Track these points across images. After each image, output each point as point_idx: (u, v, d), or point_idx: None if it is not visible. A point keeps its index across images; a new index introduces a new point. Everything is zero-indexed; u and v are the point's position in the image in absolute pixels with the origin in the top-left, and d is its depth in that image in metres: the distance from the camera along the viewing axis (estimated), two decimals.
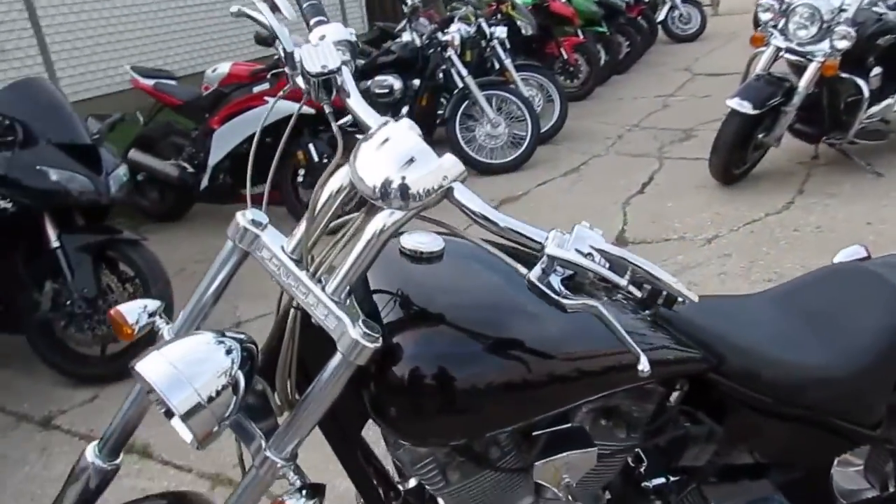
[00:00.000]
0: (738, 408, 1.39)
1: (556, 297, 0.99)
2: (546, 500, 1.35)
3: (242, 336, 1.10)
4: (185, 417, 0.98)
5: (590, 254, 1.02)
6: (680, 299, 1.01)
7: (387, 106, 5.20)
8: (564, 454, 1.22)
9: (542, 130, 5.51)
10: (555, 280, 1.02)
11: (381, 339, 1.03)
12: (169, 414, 1.00)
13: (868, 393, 1.42)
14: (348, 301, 1.06)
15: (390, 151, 1.01)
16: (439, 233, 1.17)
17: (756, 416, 1.40)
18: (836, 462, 1.64)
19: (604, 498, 1.49)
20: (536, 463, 1.21)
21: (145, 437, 2.34)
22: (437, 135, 5.29)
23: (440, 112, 5.30)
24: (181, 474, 2.28)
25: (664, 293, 1.01)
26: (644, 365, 0.98)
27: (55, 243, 2.75)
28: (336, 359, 1.03)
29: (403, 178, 0.98)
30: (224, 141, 4.26)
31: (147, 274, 2.82)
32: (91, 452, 1.26)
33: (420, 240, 1.18)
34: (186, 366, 1.01)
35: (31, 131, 2.74)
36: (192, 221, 4.81)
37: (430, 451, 1.23)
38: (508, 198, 4.55)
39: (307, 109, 1.38)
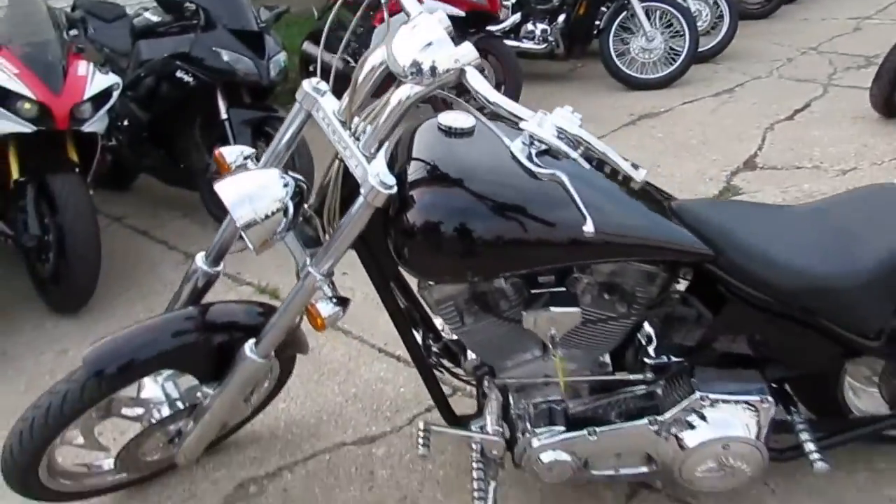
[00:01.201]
0: (735, 301, 1.52)
1: (529, 165, 1.21)
2: (548, 355, 1.59)
3: (299, 177, 1.43)
4: (244, 228, 1.33)
5: (562, 133, 1.21)
6: (634, 176, 1.18)
7: (545, 13, 5.24)
8: (549, 309, 1.44)
9: (705, 48, 5.29)
10: (533, 152, 1.23)
11: (394, 187, 1.30)
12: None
13: (867, 305, 1.48)
14: (376, 156, 1.34)
15: (416, 37, 1.27)
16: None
17: (750, 311, 1.52)
18: (847, 372, 1.71)
19: (608, 366, 1.69)
20: (524, 312, 1.45)
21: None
22: (592, 47, 5.27)
23: (597, 23, 5.25)
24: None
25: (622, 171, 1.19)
26: (589, 227, 1.18)
27: (224, 115, 3.26)
28: (359, 200, 1.33)
29: (423, 58, 1.23)
30: (378, 38, 4.61)
31: (294, 149, 3.27)
32: (200, 259, 1.68)
33: (455, 118, 1.42)
34: (251, 191, 1.35)
35: (211, 17, 3.22)
36: None
37: (450, 295, 1.51)
38: (649, 113, 4.52)
39: None
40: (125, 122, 3.44)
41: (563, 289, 1.49)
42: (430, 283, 1.49)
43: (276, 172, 1.41)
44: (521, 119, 1.23)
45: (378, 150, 1.35)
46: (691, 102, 4.64)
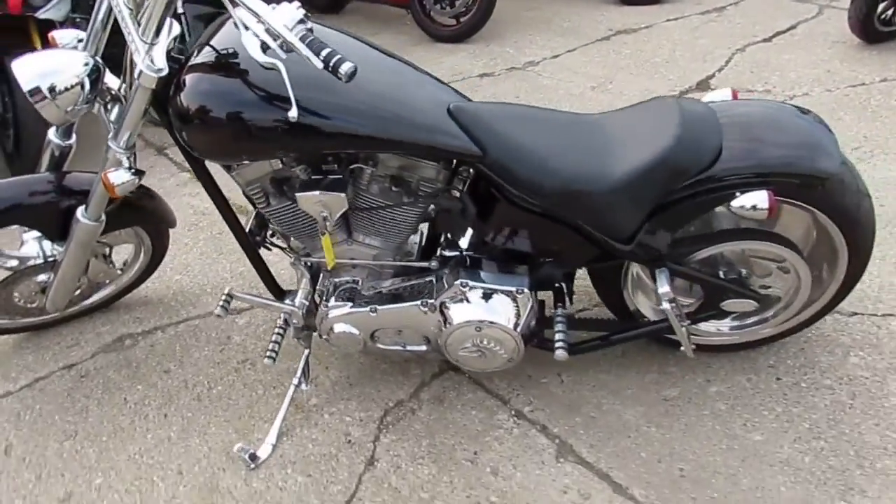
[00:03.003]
0: (502, 200, 1.64)
1: (253, 54, 1.34)
2: (351, 240, 1.74)
3: (98, 59, 1.60)
4: (36, 102, 1.52)
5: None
6: (341, 70, 1.29)
7: None
8: (316, 193, 1.59)
9: None
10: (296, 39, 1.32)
11: (163, 71, 1.46)
12: None
13: (619, 210, 1.58)
14: (157, 41, 1.49)
15: None
16: None
17: (516, 210, 1.64)
18: (632, 275, 1.81)
19: (413, 254, 1.84)
20: (297, 193, 1.61)
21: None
22: None
23: None
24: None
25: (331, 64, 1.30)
26: (293, 112, 1.32)
27: (181, 10, 3.42)
28: (136, 82, 1.49)
29: None
30: None
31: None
32: (52, 133, 1.89)
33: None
34: (45, 68, 1.53)
35: None
36: (347, 15, 5.34)
37: (255, 177, 1.67)
38: (627, 29, 4.43)
39: None
40: None
41: (338, 176, 1.63)
42: (231, 164, 1.66)
43: (76, 53, 1.59)
44: (255, 12, 1.34)
45: (157, 35, 1.49)
46: (676, 20, 4.51)
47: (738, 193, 1.53)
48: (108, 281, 2.25)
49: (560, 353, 1.68)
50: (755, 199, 1.50)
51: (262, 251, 1.86)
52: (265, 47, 1.35)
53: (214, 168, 1.62)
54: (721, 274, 1.75)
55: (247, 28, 1.35)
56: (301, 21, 1.34)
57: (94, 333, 2.28)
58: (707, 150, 1.55)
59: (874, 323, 2.04)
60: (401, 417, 1.90)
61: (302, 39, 1.31)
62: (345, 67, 1.29)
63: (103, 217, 1.82)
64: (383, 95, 1.53)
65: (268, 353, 1.80)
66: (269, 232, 1.92)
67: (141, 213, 2.06)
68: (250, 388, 2.02)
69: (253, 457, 1.79)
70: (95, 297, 2.28)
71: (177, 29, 1.59)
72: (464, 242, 1.76)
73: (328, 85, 1.44)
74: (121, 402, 2.01)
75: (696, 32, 4.29)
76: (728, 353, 1.97)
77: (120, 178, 1.61)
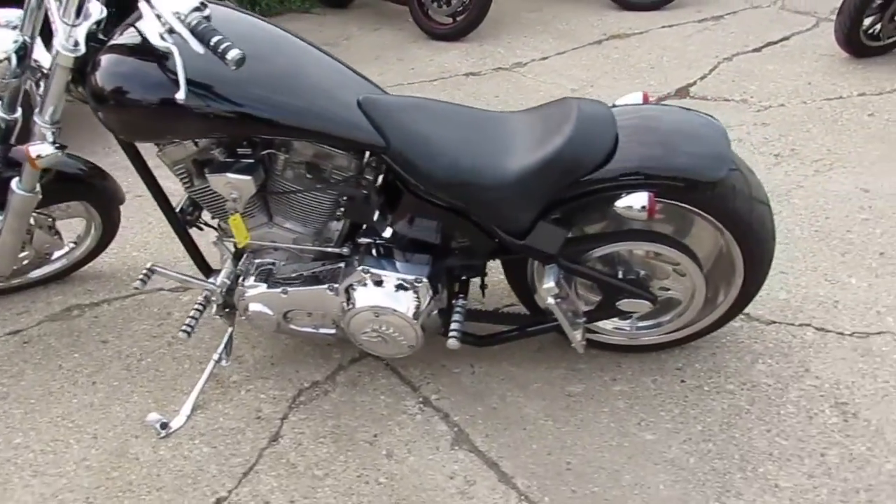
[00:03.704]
0: (405, 190, 1.70)
1: (151, 39, 1.41)
2: (271, 223, 1.81)
3: (27, 37, 1.69)
4: None
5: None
6: (227, 56, 1.35)
7: None
8: (224, 175, 1.67)
9: None
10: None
11: (79, 50, 1.54)
12: None
13: (512, 205, 1.63)
14: (75, 24, 1.57)
15: None
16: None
17: (417, 201, 1.70)
18: (534, 269, 1.85)
19: (332, 239, 1.89)
20: (207, 174, 1.68)
21: None
22: None
23: None
24: None
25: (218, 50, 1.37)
26: (180, 94, 1.39)
27: None
28: (55, 60, 1.58)
29: None
30: None
31: None
32: None
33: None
34: None
35: None
36: (354, 10, 5.43)
37: (179, 158, 1.75)
38: (620, 34, 4.44)
39: None
40: None
41: (251, 160, 1.70)
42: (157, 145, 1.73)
43: (5, 30, 1.68)
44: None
45: (78, 16, 1.58)
46: (671, 27, 4.51)
47: (624, 194, 1.56)
48: (56, 253, 2.35)
49: (451, 343, 1.72)
50: (636, 200, 1.53)
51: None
52: (165, 32, 1.43)
53: (147, 146, 1.69)
54: (619, 274, 1.78)
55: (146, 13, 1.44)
56: (197, 9, 1.41)
57: (45, 303, 2.39)
58: (598, 150, 1.59)
59: (789, 332, 2.05)
60: (313, 398, 1.97)
61: (194, 26, 1.38)
62: (231, 54, 1.35)
63: (38, 189, 1.91)
64: (288, 83, 1.59)
65: (183, 328, 1.88)
66: (202, 211, 2.00)
67: (86, 189, 2.15)
68: (178, 362, 2.11)
69: (164, 426, 1.87)
70: (47, 269, 2.38)
71: (102, 12, 1.66)
72: (375, 231, 1.82)
73: (230, 73, 1.49)
74: (55, 368, 2.11)
75: (687, 40, 4.28)
76: (638, 353, 2.00)
77: (42, 150, 1.70)
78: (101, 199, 2.22)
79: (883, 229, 2.47)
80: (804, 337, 2.03)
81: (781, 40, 4.16)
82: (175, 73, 1.46)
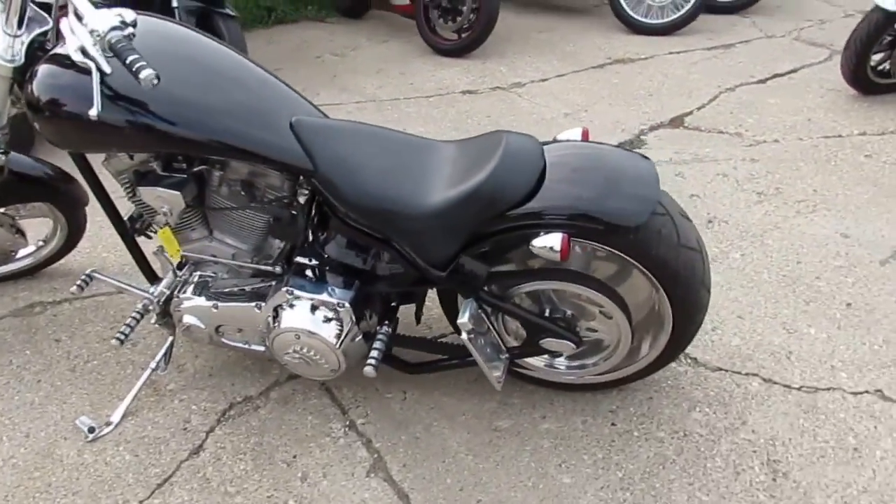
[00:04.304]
0: (331, 214, 1.70)
1: (72, 55, 1.44)
2: (212, 237, 1.83)
3: None
4: None
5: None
6: (140, 76, 1.37)
7: None
8: (154, 188, 1.69)
9: None
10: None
11: (15, 62, 1.59)
12: None
13: (433, 237, 1.61)
14: (17, 34, 1.61)
15: None
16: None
17: (342, 226, 1.70)
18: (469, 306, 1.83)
19: (272, 256, 1.90)
20: (139, 187, 1.71)
21: None
22: None
23: None
24: None
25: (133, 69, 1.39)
26: (93, 112, 1.41)
27: (175, 3, 3.62)
28: None
29: None
30: None
31: (228, 42, 3.59)
32: None
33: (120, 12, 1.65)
34: None
35: None
36: (368, 20, 5.47)
37: (121, 169, 1.78)
38: (625, 59, 4.39)
39: None
40: None
41: (183, 175, 1.72)
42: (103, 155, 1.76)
43: None
44: (79, 17, 1.45)
45: (20, 27, 1.62)
46: (678, 53, 4.44)
47: (542, 233, 1.54)
48: (21, 251, 2.41)
49: (367, 370, 1.71)
50: (551, 241, 1.50)
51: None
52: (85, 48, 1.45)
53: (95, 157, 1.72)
54: (546, 312, 1.75)
55: (73, 29, 1.46)
56: (116, 27, 1.43)
57: (11, 297, 2.44)
58: (520, 186, 1.56)
59: (734, 381, 1.99)
60: (243, 412, 1.97)
61: (113, 44, 1.40)
62: (144, 73, 1.36)
63: None
64: (215, 102, 1.59)
65: (117, 335, 1.90)
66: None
67: (48, 191, 2.20)
68: (122, 367, 2.14)
69: (91, 430, 1.89)
70: (13, 266, 2.44)
71: (46, 23, 1.70)
72: (305, 252, 1.81)
73: (156, 91, 1.51)
74: (6, 364, 2.16)
75: (692, 67, 4.22)
76: (571, 392, 1.96)
77: None
78: (65, 201, 2.27)
79: (855, 278, 2.39)
80: (748, 387, 1.97)
81: (789, 72, 4.06)
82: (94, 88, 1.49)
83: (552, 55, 4.49)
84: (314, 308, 1.74)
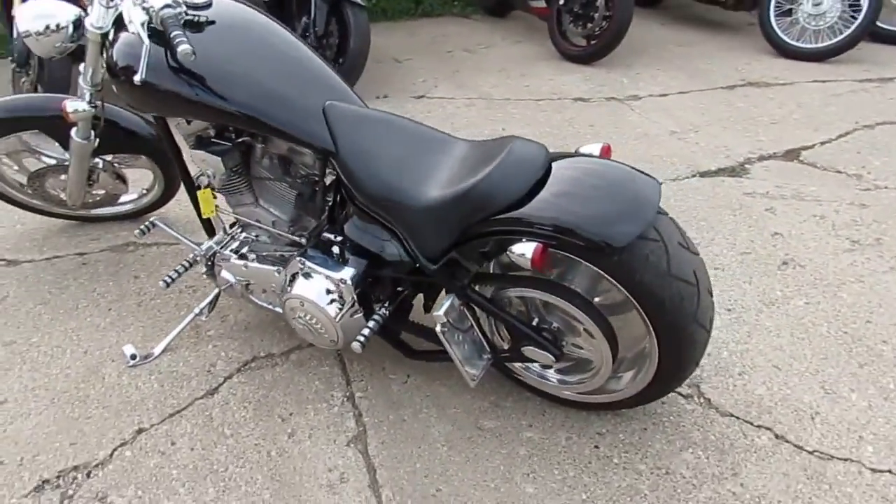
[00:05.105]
0: (347, 197, 1.82)
1: (131, 28, 1.66)
2: (257, 203, 2.02)
3: (81, 11, 2.02)
4: (25, 37, 1.97)
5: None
6: (178, 50, 1.56)
7: None
8: (198, 151, 1.90)
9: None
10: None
11: (103, 29, 1.84)
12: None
13: (429, 230, 1.68)
14: (109, 6, 1.87)
15: None
16: None
17: (356, 209, 1.81)
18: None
19: (307, 228, 2.05)
20: (191, 149, 1.92)
21: None
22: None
23: None
24: None
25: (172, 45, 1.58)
26: (137, 77, 1.62)
27: None
28: (87, 35, 1.89)
29: None
30: None
31: (353, 32, 3.83)
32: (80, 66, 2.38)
33: None
34: (39, 12, 1.98)
35: None
36: (510, 20, 5.54)
37: (189, 132, 2.01)
38: (760, 82, 4.13)
39: None
40: None
41: (228, 144, 1.91)
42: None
43: (65, 4, 2.02)
44: None
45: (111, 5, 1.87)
46: (822, 83, 4.10)
47: (524, 240, 1.55)
48: (124, 197, 2.75)
49: (354, 345, 1.80)
50: (525, 249, 1.51)
51: None
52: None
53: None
54: (533, 321, 1.75)
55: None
56: (168, 6, 1.63)
57: (113, 234, 2.81)
58: (511, 192, 1.58)
59: (742, 430, 1.87)
60: (262, 366, 2.15)
61: (163, 20, 1.60)
62: (181, 48, 1.55)
63: (92, 136, 2.26)
64: (256, 79, 1.75)
65: (164, 278, 2.14)
66: None
67: (144, 144, 2.50)
68: (178, 309, 2.40)
69: (133, 357, 2.15)
70: (117, 209, 2.80)
71: None
72: (327, 229, 1.94)
73: (208, 66, 1.69)
74: (91, 289, 2.49)
75: (832, 99, 3.88)
76: (567, 406, 1.94)
77: (74, 106, 2.04)
78: (159, 155, 2.56)
79: None
80: (755, 440, 1.84)
81: None
82: (153, 56, 1.70)
83: (681, 71, 4.32)
84: (317, 280, 1.86)
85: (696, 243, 2.64)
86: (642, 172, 1.63)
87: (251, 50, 1.81)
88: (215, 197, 2.16)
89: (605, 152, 1.74)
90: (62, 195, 2.63)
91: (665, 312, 1.56)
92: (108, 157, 2.56)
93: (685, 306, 1.57)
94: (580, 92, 4.10)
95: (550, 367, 1.87)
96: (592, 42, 4.47)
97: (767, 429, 1.87)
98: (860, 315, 2.27)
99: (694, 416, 1.91)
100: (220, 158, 1.88)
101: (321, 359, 2.17)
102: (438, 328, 1.71)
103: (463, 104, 3.97)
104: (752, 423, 1.89)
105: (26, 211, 2.76)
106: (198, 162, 1.93)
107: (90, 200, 2.70)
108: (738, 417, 1.91)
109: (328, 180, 1.91)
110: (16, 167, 2.57)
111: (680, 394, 1.99)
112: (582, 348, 1.75)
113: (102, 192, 2.68)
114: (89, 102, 2.07)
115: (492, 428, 1.92)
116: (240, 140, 1.92)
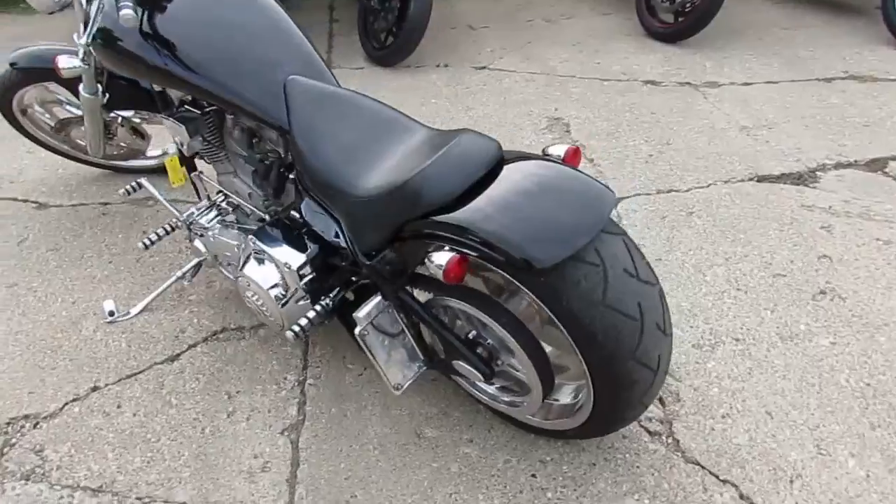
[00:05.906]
0: (297, 177, 1.73)
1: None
2: (235, 175, 2.00)
3: None
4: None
5: None
6: (121, 14, 1.52)
7: None
8: (167, 119, 1.87)
9: None
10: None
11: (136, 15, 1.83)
12: None
13: (366, 221, 1.57)
14: None
15: None
16: None
17: (301, 189, 1.72)
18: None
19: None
20: (162, 115, 1.90)
21: None
22: None
23: None
24: None
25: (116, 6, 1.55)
26: (85, 38, 1.59)
27: None
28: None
29: None
30: None
31: (412, 11, 3.68)
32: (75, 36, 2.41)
33: None
34: None
35: None
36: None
37: (177, 97, 2.00)
38: (867, 76, 3.61)
39: None
40: None
41: (197, 112, 1.87)
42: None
43: None
44: None
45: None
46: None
47: (446, 247, 1.40)
48: (149, 152, 2.80)
49: (288, 333, 1.73)
50: (440, 258, 1.37)
51: None
52: None
53: None
54: (469, 334, 1.60)
55: None
56: None
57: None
58: (444, 192, 1.43)
59: (704, 482, 1.65)
60: (229, 339, 2.13)
61: None
62: (123, 12, 1.52)
63: (99, 91, 2.29)
64: (210, 49, 1.68)
65: (143, 240, 2.15)
66: None
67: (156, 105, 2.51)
68: (173, 269, 2.41)
69: (111, 314, 2.18)
70: (141, 162, 2.86)
71: None
72: (286, 209, 1.86)
73: (154, 28, 1.65)
74: (101, 240, 2.57)
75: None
76: (519, 427, 1.79)
77: (67, 63, 2.05)
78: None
79: None
80: (715, 496, 1.62)
81: None
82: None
83: (776, 57, 3.87)
84: (264, 261, 1.79)
85: (724, 259, 2.35)
86: (601, 184, 1.42)
87: (217, 18, 1.74)
88: (192, 167, 2.14)
89: (571, 156, 1.54)
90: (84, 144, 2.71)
91: (596, 346, 1.37)
92: (128, 113, 2.60)
93: (621, 341, 1.37)
94: (653, 74, 3.77)
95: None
96: (680, 19, 4.08)
97: (733, 485, 1.64)
98: (894, 366, 1.94)
99: (654, 457, 1.71)
100: (184, 126, 1.84)
101: (286, 339, 2.12)
102: (358, 330, 1.60)
103: (522, 78, 3.75)
104: (717, 477, 1.66)
105: (67, 159, 2.87)
106: (168, 128, 1.90)
107: (114, 153, 2.76)
108: (703, 467, 1.68)
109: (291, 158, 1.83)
110: (47, 116, 2.67)
111: (647, 429, 1.78)
112: (518, 370, 1.59)
113: (124, 146, 2.74)
114: (83, 60, 2.08)
115: (431, 437, 1.80)
116: (207, 110, 1.87)
